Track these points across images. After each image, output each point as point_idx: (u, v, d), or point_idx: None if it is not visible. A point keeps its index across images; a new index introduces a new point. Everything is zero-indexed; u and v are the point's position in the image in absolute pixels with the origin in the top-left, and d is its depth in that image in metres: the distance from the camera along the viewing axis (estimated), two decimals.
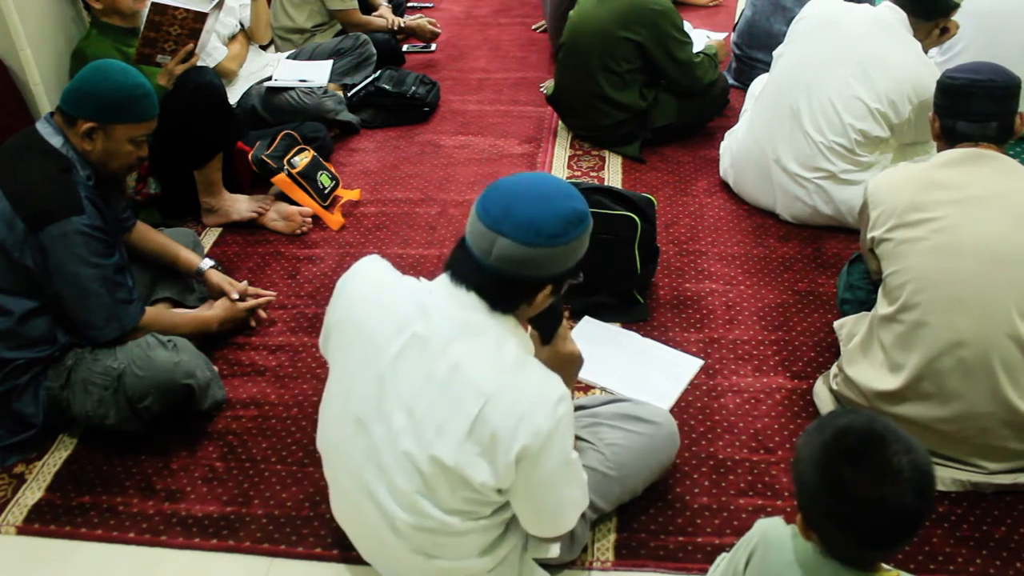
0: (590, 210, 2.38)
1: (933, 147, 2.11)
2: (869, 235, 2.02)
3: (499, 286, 1.44)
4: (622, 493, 1.88)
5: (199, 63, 2.78)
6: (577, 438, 1.79)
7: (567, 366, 1.69)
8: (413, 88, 3.66)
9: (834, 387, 2.11)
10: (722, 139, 3.23)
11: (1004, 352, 1.81)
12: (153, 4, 2.56)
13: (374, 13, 4.05)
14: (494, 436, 1.43)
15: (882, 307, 1.96)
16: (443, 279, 1.50)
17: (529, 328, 1.66)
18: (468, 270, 1.46)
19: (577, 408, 1.89)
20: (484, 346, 1.45)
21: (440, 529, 1.54)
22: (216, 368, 2.31)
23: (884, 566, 1.28)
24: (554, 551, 1.72)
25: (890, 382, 1.93)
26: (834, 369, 2.13)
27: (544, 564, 1.77)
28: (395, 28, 4.05)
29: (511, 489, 1.51)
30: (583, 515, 1.79)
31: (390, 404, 1.50)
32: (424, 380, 1.47)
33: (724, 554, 1.52)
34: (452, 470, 1.46)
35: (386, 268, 1.62)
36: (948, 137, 1.99)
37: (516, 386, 1.44)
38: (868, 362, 1.99)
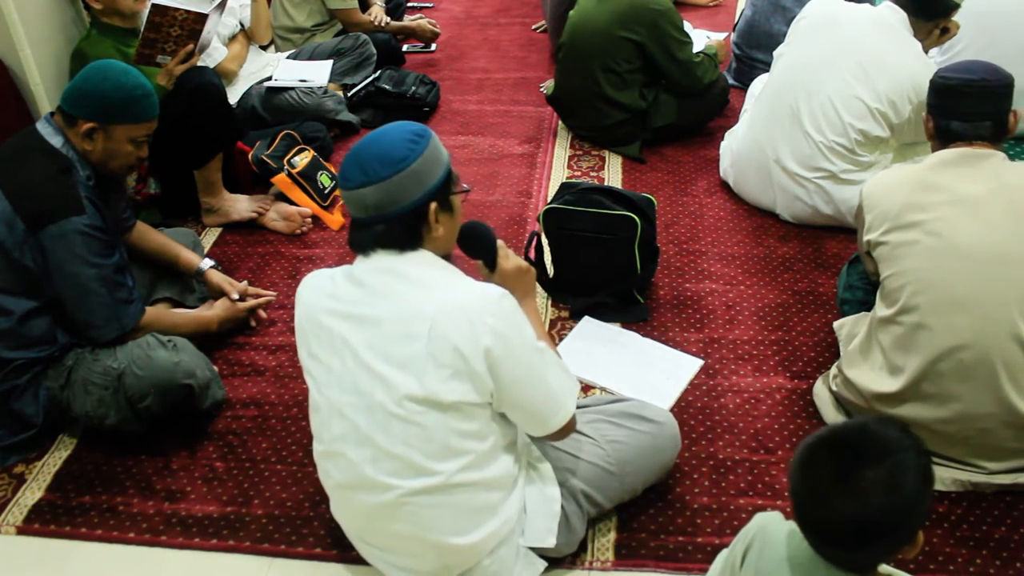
0: (590, 210, 2.44)
1: None
2: (865, 238, 2.01)
3: (392, 228, 1.54)
4: (622, 491, 1.88)
5: (199, 63, 2.78)
6: (579, 432, 1.81)
7: (520, 280, 1.77)
8: (413, 88, 3.66)
9: (834, 388, 2.11)
10: (722, 139, 3.23)
11: (1006, 353, 1.81)
12: (153, 5, 2.56)
13: (368, 11, 4.04)
14: (456, 350, 1.49)
15: (881, 309, 1.96)
16: (357, 258, 1.61)
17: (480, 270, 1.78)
18: (363, 235, 1.57)
19: (579, 407, 1.90)
20: (411, 282, 1.55)
21: (432, 488, 1.57)
22: (216, 368, 2.31)
23: (883, 566, 1.28)
24: (550, 540, 1.72)
25: (890, 384, 1.92)
26: (834, 370, 2.13)
27: (543, 556, 1.77)
28: (381, 25, 4.02)
29: (498, 397, 1.57)
30: (580, 509, 1.80)
31: (351, 370, 1.57)
32: (372, 332, 1.55)
33: (725, 551, 1.52)
34: (426, 400, 1.52)
35: (322, 270, 1.70)
36: (942, 137, 1.99)
37: (455, 298, 1.53)
38: (867, 365, 1.99)
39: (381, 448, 1.57)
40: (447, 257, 1.64)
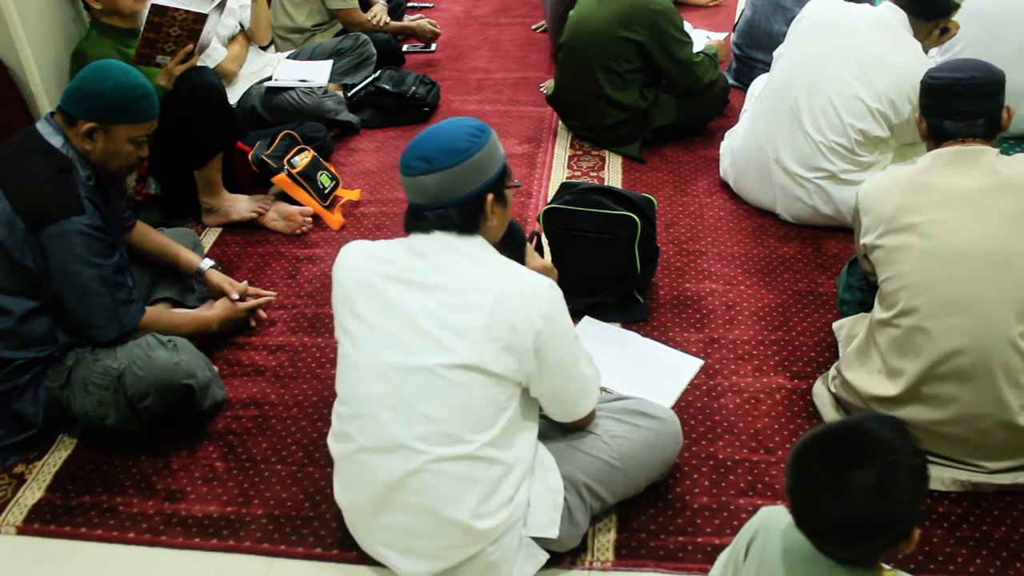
0: (590, 210, 2.44)
1: None
2: (862, 241, 2.01)
3: (452, 213, 1.63)
4: (625, 485, 1.88)
5: (199, 63, 2.78)
6: (582, 428, 1.84)
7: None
8: (413, 88, 3.66)
9: (832, 389, 2.11)
10: (722, 139, 3.23)
11: (1004, 355, 1.81)
12: (153, 5, 2.56)
13: (369, 11, 4.04)
14: (512, 327, 1.59)
15: (879, 312, 1.96)
16: (413, 234, 1.67)
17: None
18: (424, 219, 1.64)
19: None
20: (471, 261, 1.64)
21: (459, 456, 1.60)
22: (216, 368, 2.31)
23: (884, 566, 1.28)
24: (553, 531, 1.73)
25: (888, 388, 1.92)
26: (832, 371, 2.13)
27: (545, 549, 1.77)
28: (381, 25, 4.01)
29: (537, 379, 1.65)
30: (583, 502, 1.80)
31: (399, 332, 1.62)
32: (432, 299, 1.62)
33: (727, 549, 1.53)
34: (476, 368, 1.58)
35: (366, 242, 1.75)
36: (936, 136, 1.98)
37: (513, 281, 1.63)
38: (865, 368, 1.99)
39: (418, 411, 1.61)
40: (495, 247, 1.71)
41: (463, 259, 1.63)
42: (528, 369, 1.63)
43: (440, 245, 1.63)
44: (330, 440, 1.78)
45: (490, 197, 1.64)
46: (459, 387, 1.60)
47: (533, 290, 1.62)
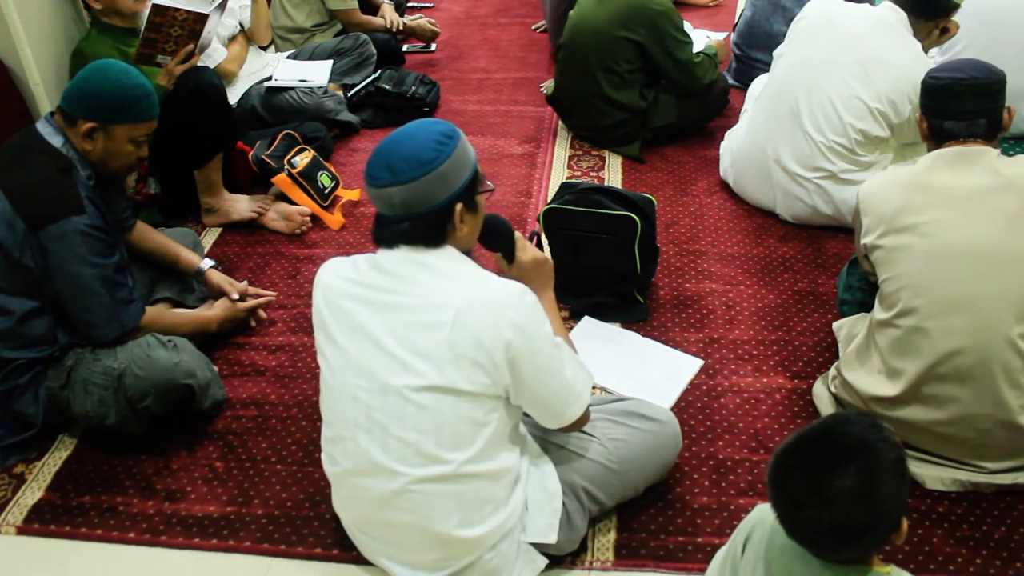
0: (590, 210, 2.44)
1: None
2: (862, 242, 2.01)
3: (418, 225, 1.56)
4: (623, 489, 1.88)
5: (199, 64, 2.78)
6: (581, 430, 1.82)
7: (539, 271, 1.81)
8: (413, 88, 3.66)
9: (832, 389, 2.11)
10: (722, 139, 3.23)
11: (1003, 355, 1.81)
12: (154, 5, 2.56)
13: (379, 13, 4.04)
14: (478, 341, 1.52)
15: (879, 312, 1.96)
16: (381, 249, 1.62)
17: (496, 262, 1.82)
18: (389, 231, 1.58)
19: None
20: (438, 273, 1.57)
21: (441, 477, 1.58)
22: (216, 368, 2.31)
23: (882, 563, 1.28)
24: (552, 536, 1.73)
25: (888, 388, 1.92)
26: (832, 371, 2.13)
27: (543, 553, 1.77)
28: (395, 29, 4.04)
29: (515, 390, 1.60)
30: (582, 506, 1.80)
31: (368, 355, 1.58)
32: (395, 319, 1.57)
33: (723, 548, 1.53)
34: (443, 388, 1.54)
35: (342, 257, 1.72)
36: (936, 136, 1.98)
37: (480, 293, 1.56)
38: (865, 368, 1.99)
39: (392, 434, 1.58)
40: (468, 253, 1.66)
41: (429, 274, 1.57)
42: (504, 382, 1.57)
43: (405, 260, 1.58)
44: (322, 459, 1.78)
45: (459, 206, 1.57)
46: (427, 409, 1.55)
47: (501, 300, 1.54)
